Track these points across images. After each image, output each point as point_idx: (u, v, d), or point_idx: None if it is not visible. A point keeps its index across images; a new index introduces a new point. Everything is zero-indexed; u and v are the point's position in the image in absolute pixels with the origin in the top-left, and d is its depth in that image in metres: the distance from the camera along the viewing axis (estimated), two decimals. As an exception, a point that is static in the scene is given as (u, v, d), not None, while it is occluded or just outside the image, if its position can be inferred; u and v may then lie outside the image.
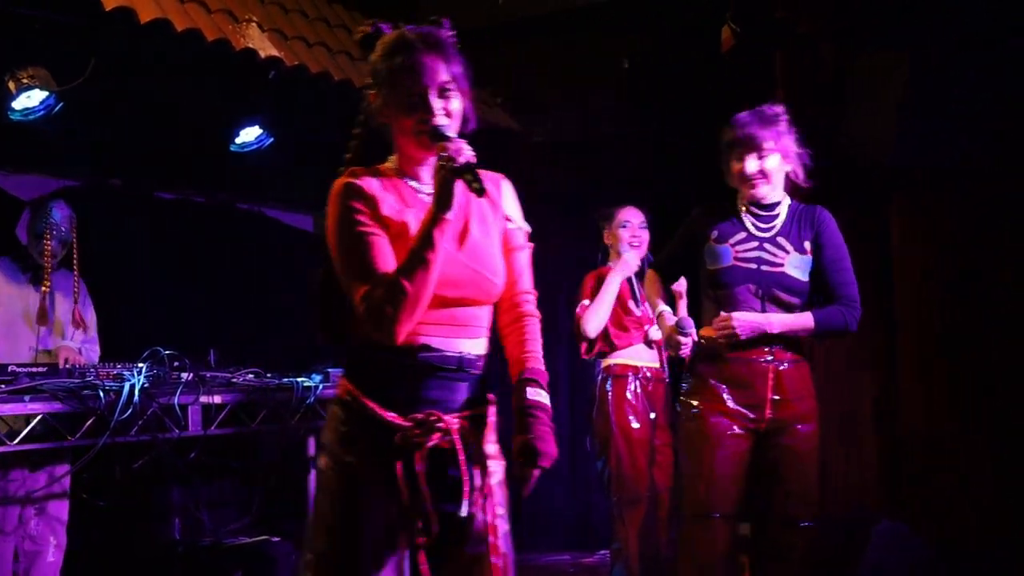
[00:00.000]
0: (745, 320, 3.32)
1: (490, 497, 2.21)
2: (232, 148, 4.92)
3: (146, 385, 3.68)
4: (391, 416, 2.14)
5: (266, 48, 4.52)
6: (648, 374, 4.52)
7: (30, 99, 4.07)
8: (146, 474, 4.00)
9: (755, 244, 3.41)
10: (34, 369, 3.64)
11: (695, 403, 3.43)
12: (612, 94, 5.93)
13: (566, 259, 5.89)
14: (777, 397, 3.33)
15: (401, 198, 2.21)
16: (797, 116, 3.55)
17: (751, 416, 3.34)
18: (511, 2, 5.95)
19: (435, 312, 2.15)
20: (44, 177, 4.81)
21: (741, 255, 3.40)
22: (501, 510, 2.23)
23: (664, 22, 5.53)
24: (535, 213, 6.08)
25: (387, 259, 2.12)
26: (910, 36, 4.44)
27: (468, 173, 2.04)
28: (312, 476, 5.05)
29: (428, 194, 2.19)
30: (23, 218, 4.25)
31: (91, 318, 4.41)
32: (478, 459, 2.21)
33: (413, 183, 2.25)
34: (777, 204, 3.47)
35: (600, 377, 4.59)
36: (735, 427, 3.35)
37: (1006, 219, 4.58)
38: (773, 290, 3.36)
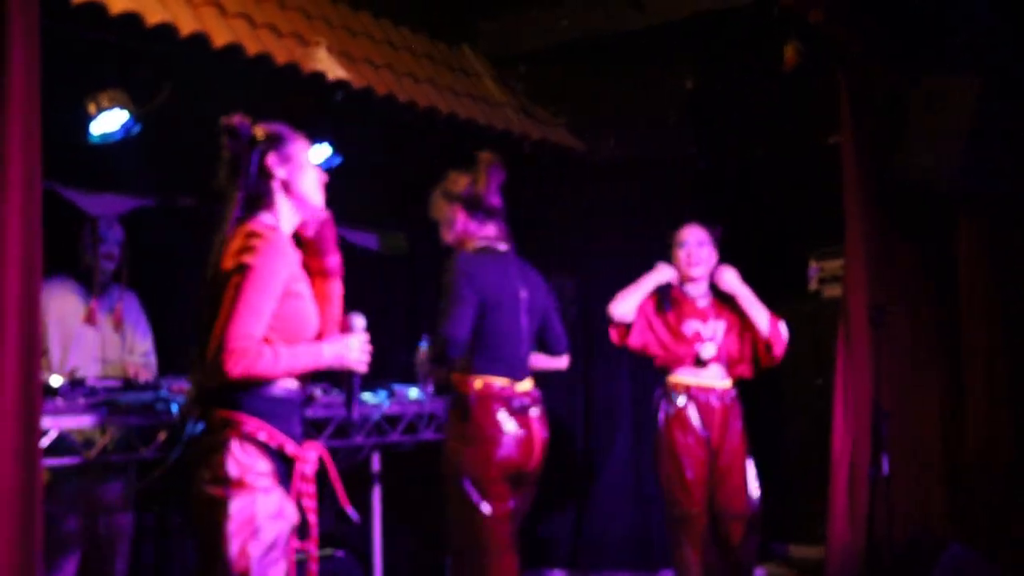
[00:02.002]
0: None
1: None
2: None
3: (217, 400, 3.76)
4: (291, 448, 2.58)
5: (334, 71, 4.61)
6: (702, 392, 4.53)
7: (109, 121, 4.20)
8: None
9: None
10: (110, 383, 3.75)
11: None
12: (675, 114, 5.94)
13: (627, 279, 5.90)
14: None
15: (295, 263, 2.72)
16: (859, 138, 3.54)
17: None
18: (574, 22, 6.00)
19: None
20: (120, 196, 4.94)
21: None
22: None
23: (728, 43, 5.54)
24: (596, 232, 6.14)
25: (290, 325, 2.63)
26: (980, 61, 4.41)
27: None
28: (376, 492, 5.13)
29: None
30: (84, 232, 4.38)
31: (145, 336, 4.50)
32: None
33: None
34: None
35: (657, 394, 4.64)
36: None
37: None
38: None
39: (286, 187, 2.76)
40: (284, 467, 2.58)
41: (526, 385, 3.70)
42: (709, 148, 6.06)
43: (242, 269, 2.53)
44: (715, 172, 6.10)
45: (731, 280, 4.58)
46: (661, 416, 4.56)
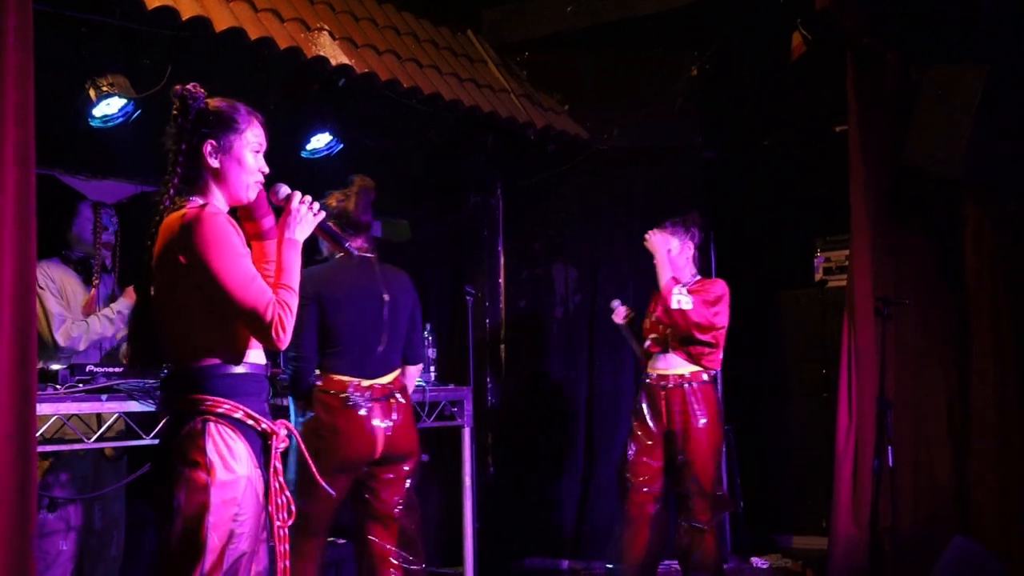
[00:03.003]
0: None
1: None
2: (303, 155, 5.00)
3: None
4: (267, 424, 2.53)
5: (337, 56, 4.58)
6: (653, 379, 4.69)
7: (110, 106, 4.17)
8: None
9: None
10: (111, 369, 3.74)
11: None
12: (681, 101, 5.91)
13: (630, 267, 5.88)
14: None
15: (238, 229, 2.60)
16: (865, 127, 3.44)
17: None
18: (579, 8, 5.96)
19: None
20: (122, 182, 4.93)
21: None
22: None
23: (733, 30, 5.50)
24: (600, 220, 6.12)
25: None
26: (986, 49, 4.36)
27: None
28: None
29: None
30: (84, 218, 4.36)
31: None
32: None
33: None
34: None
35: None
36: None
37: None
38: None
39: (218, 177, 2.61)
40: (260, 444, 2.54)
41: (382, 380, 3.87)
42: (714, 136, 6.02)
43: (198, 256, 2.45)
44: (720, 160, 6.06)
45: (651, 242, 4.70)
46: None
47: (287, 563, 2.57)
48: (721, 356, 4.69)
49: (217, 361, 2.50)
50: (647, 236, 4.70)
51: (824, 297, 6.04)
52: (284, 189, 2.69)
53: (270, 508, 2.52)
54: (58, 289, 4.17)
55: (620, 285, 5.82)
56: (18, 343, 2.61)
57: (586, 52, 6.10)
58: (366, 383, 3.81)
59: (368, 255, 3.99)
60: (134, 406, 3.61)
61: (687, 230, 4.69)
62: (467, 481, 5.05)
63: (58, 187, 4.55)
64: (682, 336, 4.58)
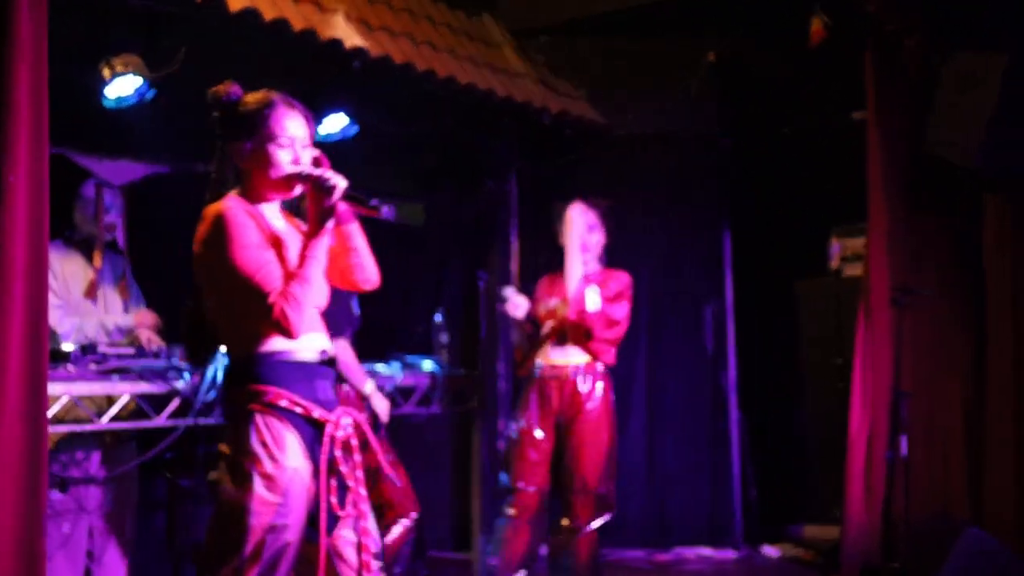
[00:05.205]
0: None
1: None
2: (317, 138, 4.98)
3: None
4: (318, 413, 2.50)
5: (351, 38, 4.56)
6: (542, 372, 4.54)
7: (124, 86, 4.16)
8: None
9: None
10: (122, 350, 3.73)
11: None
12: (698, 88, 5.87)
13: (645, 253, 5.85)
14: None
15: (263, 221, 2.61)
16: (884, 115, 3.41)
17: None
18: (596, -6, 5.93)
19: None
20: (135, 163, 4.92)
21: None
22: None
23: (751, 16, 5.45)
24: (616, 206, 6.10)
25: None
26: (1007, 37, 4.32)
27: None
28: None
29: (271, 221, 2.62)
30: (86, 199, 4.36)
31: (138, 303, 4.48)
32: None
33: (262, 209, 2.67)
34: None
35: None
36: None
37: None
38: None
39: (248, 175, 2.65)
40: (313, 434, 2.51)
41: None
42: (731, 123, 5.98)
43: (215, 251, 2.48)
44: (737, 147, 6.03)
45: (572, 218, 4.58)
46: None
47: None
48: (615, 349, 4.55)
49: (265, 350, 2.50)
50: (570, 209, 4.56)
51: (839, 286, 6.01)
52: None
53: (331, 498, 2.48)
54: (56, 274, 4.15)
55: (635, 270, 5.80)
56: (29, 322, 2.61)
57: (603, 37, 6.06)
58: None
59: None
60: (145, 387, 3.61)
61: (606, 215, 4.61)
62: (477, 466, 5.05)
63: (65, 167, 4.53)
64: (585, 332, 4.45)
